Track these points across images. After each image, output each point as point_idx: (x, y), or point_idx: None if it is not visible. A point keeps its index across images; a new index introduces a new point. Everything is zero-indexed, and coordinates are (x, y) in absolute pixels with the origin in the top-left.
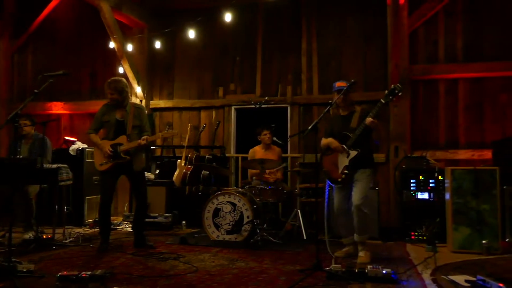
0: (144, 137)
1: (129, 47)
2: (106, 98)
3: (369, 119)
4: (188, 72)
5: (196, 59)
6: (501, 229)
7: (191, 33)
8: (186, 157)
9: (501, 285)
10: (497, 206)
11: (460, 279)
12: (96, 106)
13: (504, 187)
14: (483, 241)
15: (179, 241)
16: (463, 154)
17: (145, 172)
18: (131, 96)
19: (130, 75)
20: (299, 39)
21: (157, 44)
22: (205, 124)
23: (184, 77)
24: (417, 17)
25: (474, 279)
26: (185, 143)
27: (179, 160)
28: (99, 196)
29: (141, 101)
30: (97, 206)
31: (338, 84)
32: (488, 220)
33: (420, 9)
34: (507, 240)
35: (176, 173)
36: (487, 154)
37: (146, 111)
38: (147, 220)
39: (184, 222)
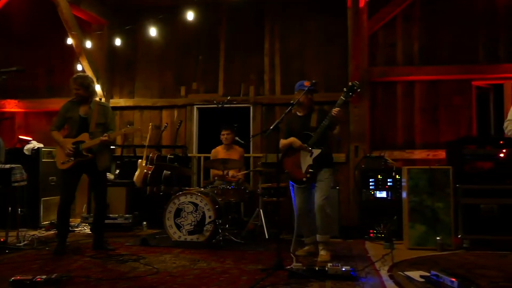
0: (106, 133)
1: (88, 44)
2: (64, 96)
3: (335, 109)
4: (150, 71)
5: (158, 57)
6: (454, 226)
7: (153, 31)
8: (147, 157)
9: (453, 279)
10: (451, 204)
11: (415, 274)
12: (53, 104)
13: (457, 185)
14: (437, 238)
15: (139, 242)
16: (419, 154)
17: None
18: None
19: (89, 72)
20: (262, 39)
21: (118, 42)
22: (167, 124)
23: (146, 76)
24: (377, 21)
25: (428, 274)
26: (146, 143)
27: (140, 160)
28: (58, 196)
29: (100, 99)
30: (54, 207)
31: (306, 83)
32: (442, 218)
33: (379, 13)
34: (459, 236)
35: (136, 173)
36: (442, 154)
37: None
38: (106, 221)
39: (145, 223)
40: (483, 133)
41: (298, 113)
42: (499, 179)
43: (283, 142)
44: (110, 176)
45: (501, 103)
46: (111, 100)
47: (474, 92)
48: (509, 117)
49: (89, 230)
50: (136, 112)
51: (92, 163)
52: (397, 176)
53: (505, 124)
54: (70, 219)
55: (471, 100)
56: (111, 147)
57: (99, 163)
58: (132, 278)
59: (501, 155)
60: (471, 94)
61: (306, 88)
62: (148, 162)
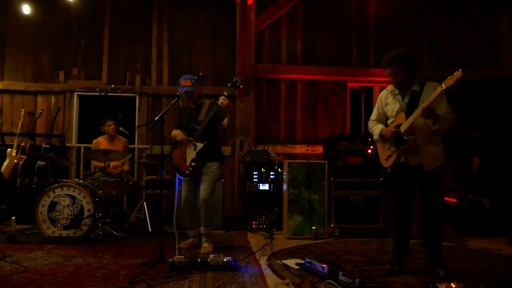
0: None
1: None
2: None
3: (221, 98)
4: (23, 51)
5: (33, 38)
6: (327, 216)
7: (26, 8)
8: (19, 145)
9: (324, 265)
10: (325, 195)
11: (291, 262)
12: None
13: (331, 178)
14: (313, 227)
15: (6, 239)
16: (299, 149)
17: None
18: None
19: None
20: (150, 28)
21: None
22: (42, 110)
23: (18, 57)
24: (263, 19)
25: (303, 261)
26: (18, 130)
27: (9, 149)
28: None
29: None
30: None
31: (183, 83)
32: (317, 209)
33: (266, 12)
34: (331, 225)
35: (5, 163)
36: (319, 149)
37: None
38: None
39: (13, 218)
40: (354, 130)
41: (191, 105)
42: (366, 173)
43: (172, 133)
44: None
45: (371, 104)
46: None
47: (348, 93)
48: (371, 117)
49: None
50: (6, 96)
51: None
52: (279, 170)
53: (369, 123)
54: None
55: (345, 100)
56: None
57: None
58: None
59: (369, 151)
60: (345, 95)
61: (184, 91)
62: (19, 152)
